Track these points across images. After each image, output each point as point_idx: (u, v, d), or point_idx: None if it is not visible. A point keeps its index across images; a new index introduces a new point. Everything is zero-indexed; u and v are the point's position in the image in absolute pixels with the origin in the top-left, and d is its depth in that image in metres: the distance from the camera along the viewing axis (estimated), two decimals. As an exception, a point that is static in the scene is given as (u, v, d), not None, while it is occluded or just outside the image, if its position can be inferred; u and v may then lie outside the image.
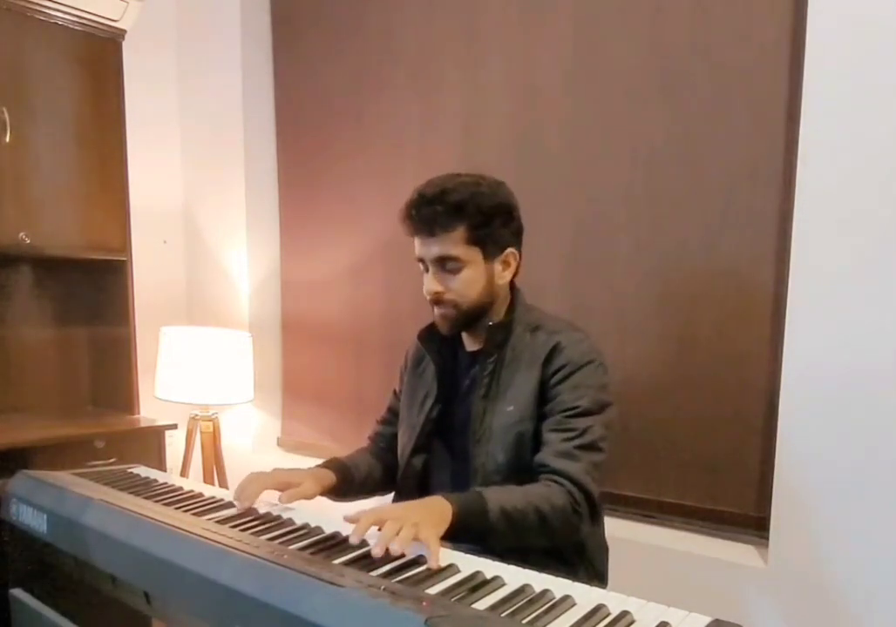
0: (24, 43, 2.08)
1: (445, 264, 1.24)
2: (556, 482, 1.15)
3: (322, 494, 1.28)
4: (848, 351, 1.44)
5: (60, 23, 2.13)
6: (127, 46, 2.29)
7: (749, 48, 1.60)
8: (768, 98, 1.58)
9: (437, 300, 1.26)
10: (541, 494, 1.13)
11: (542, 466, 1.18)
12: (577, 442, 1.17)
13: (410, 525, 0.93)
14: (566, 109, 1.87)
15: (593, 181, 1.83)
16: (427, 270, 1.27)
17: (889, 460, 1.41)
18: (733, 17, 1.61)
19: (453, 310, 1.26)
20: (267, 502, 1.18)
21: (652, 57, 1.72)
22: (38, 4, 2.07)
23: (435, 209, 1.20)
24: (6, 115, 2.03)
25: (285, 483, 1.20)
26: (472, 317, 1.28)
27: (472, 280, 1.25)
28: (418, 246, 1.26)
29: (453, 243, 1.22)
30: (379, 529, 0.94)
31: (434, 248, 1.23)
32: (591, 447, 1.18)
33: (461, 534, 1.04)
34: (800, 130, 1.47)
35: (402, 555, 0.91)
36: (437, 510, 1.03)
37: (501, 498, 1.10)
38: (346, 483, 1.33)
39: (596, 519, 1.25)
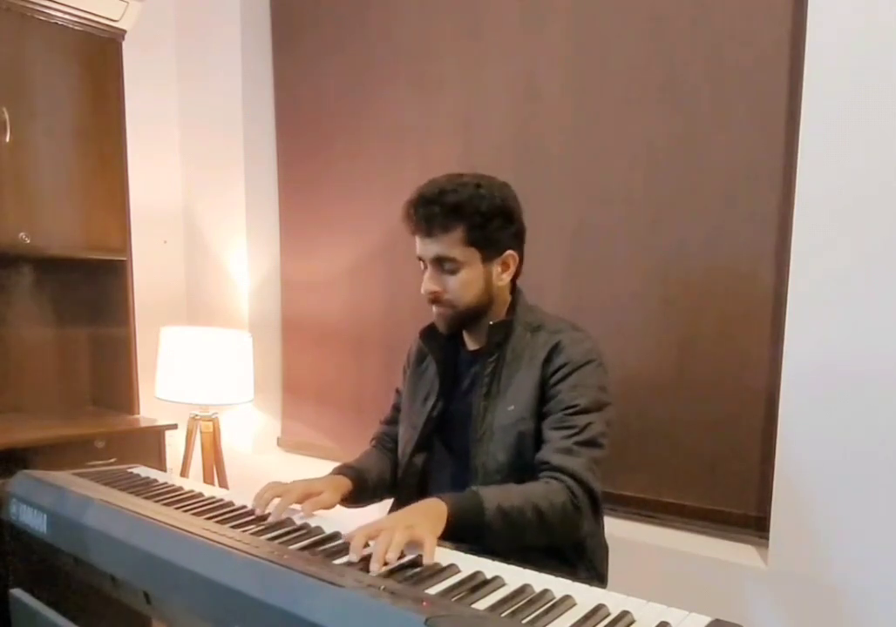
0: (24, 43, 2.08)
1: (443, 264, 1.24)
2: (555, 478, 1.15)
3: (340, 502, 1.27)
4: (848, 352, 1.44)
5: (60, 23, 2.13)
6: (127, 46, 2.29)
7: (749, 48, 1.60)
8: (768, 98, 1.58)
9: (434, 299, 1.27)
10: (539, 492, 1.12)
11: (542, 463, 1.18)
12: (576, 438, 1.17)
13: (403, 528, 0.93)
14: (566, 109, 1.87)
15: (593, 181, 1.83)
16: (426, 269, 1.27)
17: (889, 460, 1.41)
18: (733, 18, 1.61)
19: (450, 310, 1.27)
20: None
21: (652, 57, 1.72)
22: (38, 4, 2.07)
23: (432, 210, 1.21)
24: (6, 115, 2.03)
25: (306, 494, 1.18)
26: (469, 317, 1.28)
27: (469, 281, 1.25)
28: (418, 245, 1.27)
29: (451, 244, 1.22)
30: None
31: (432, 248, 1.23)
32: (591, 443, 1.18)
33: (458, 534, 1.04)
34: (800, 130, 1.47)
35: (402, 555, 0.91)
36: (432, 512, 1.03)
37: (498, 496, 1.10)
38: (360, 489, 1.33)
39: (598, 515, 1.25)
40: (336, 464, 1.40)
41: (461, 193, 1.21)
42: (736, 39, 1.61)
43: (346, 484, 1.30)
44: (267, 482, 1.22)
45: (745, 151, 1.62)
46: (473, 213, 1.21)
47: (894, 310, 1.39)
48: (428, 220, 1.22)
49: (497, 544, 1.09)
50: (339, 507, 1.31)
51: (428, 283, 1.26)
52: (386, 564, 0.88)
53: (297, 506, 1.17)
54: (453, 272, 1.24)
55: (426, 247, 1.24)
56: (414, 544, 0.93)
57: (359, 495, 1.33)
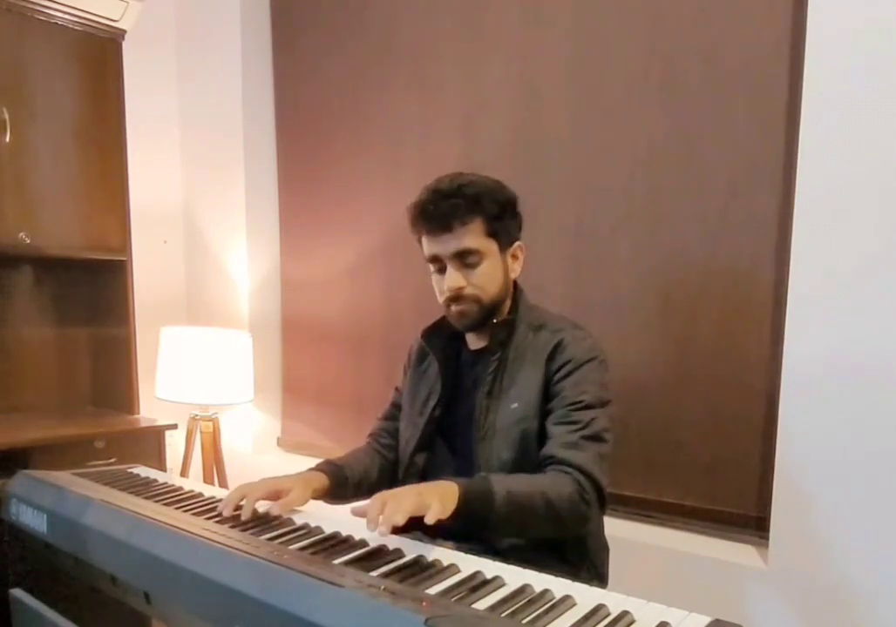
0: (24, 43, 2.08)
1: (465, 258, 1.23)
2: (563, 471, 1.14)
3: (315, 498, 1.25)
4: (848, 351, 1.44)
5: (60, 23, 2.13)
6: (127, 46, 2.29)
7: (749, 48, 1.60)
8: (768, 98, 1.58)
9: (457, 296, 1.25)
10: (548, 482, 1.13)
11: (548, 458, 1.18)
12: (582, 433, 1.17)
13: (414, 494, 0.94)
14: (566, 109, 1.87)
15: (593, 181, 1.83)
16: (442, 270, 1.26)
17: (889, 460, 1.41)
18: (733, 17, 1.61)
19: (474, 306, 1.26)
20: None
21: (652, 56, 1.72)
22: (38, 4, 2.07)
23: (454, 202, 1.21)
24: (6, 115, 2.03)
25: (274, 491, 1.16)
26: (490, 312, 1.28)
27: (492, 273, 1.26)
28: (433, 244, 1.25)
29: (473, 236, 1.22)
30: None
31: (452, 243, 1.23)
32: (596, 437, 1.18)
33: (466, 517, 1.03)
34: (800, 130, 1.47)
35: (403, 555, 0.91)
36: (443, 490, 1.02)
37: (507, 482, 1.10)
38: (339, 485, 1.30)
39: (604, 509, 1.24)
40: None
41: (477, 185, 1.23)
42: (736, 39, 1.61)
43: (320, 479, 1.26)
44: None
45: (745, 151, 1.62)
46: (491, 203, 1.23)
47: (894, 310, 1.39)
48: (448, 215, 1.21)
49: (504, 530, 1.09)
50: (338, 506, 1.31)
51: (451, 280, 1.24)
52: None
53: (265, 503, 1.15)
54: (475, 265, 1.24)
55: (445, 244, 1.23)
56: (420, 509, 0.93)
57: (337, 491, 1.30)
